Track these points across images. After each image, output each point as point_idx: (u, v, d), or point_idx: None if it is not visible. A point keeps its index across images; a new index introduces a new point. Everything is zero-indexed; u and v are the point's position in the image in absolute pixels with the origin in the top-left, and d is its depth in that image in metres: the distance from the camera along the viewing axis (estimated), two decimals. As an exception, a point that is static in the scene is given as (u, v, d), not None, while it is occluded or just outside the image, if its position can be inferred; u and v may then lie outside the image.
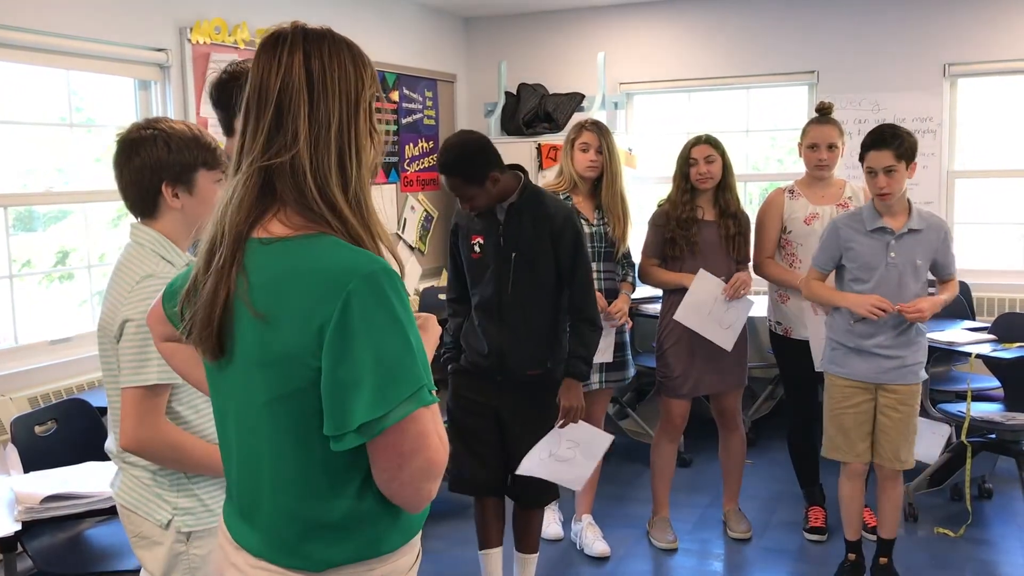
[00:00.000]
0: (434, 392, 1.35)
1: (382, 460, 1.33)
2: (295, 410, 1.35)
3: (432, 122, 6.14)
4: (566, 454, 3.26)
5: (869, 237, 3.38)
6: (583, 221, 3.71)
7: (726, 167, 3.85)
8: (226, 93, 2.65)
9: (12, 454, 2.73)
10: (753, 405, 5.52)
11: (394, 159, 5.76)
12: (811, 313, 3.71)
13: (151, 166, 1.98)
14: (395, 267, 1.35)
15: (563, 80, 6.17)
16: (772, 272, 3.95)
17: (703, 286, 3.77)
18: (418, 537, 1.54)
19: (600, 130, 3.79)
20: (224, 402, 1.48)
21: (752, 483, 4.67)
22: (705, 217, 3.85)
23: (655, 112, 6.35)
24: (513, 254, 3.11)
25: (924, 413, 3.79)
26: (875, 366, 3.37)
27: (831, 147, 3.86)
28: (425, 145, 6.06)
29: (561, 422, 3.19)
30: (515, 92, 6.16)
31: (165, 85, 4.16)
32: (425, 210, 6.06)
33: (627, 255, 3.90)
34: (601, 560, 3.88)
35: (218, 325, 1.37)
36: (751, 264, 3.98)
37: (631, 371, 3.94)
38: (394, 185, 5.77)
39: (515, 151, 5.62)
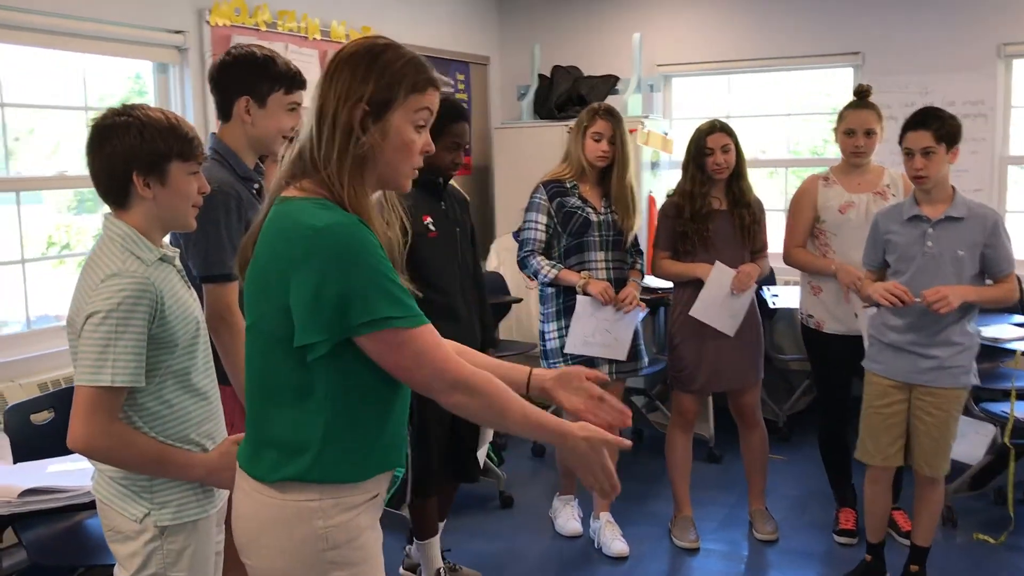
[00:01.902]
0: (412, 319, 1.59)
1: (392, 370, 1.61)
2: (267, 332, 1.63)
3: (464, 106, 6.01)
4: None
5: (906, 226, 3.20)
6: (590, 209, 3.64)
7: (739, 155, 3.70)
8: (227, 76, 2.58)
9: (4, 443, 2.69)
10: (789, 400, 5.35)
11: (423, 143, 5.65)
12: (861, 307, 3.52)
13: (122, 154, 1.90)
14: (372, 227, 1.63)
15: (598, 62, 6.00)
16: (802, 260, 3.78)
17: (719, 278, 3.65)
18: (375, 483, 1.69)
19: (614, 119, 3.64)
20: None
21: (783, 481, 4.51)
22: (718, 207, 3.72)
23: (693, 95, 6.16)
24: (456, 229, 3.25)
25: (967, 412, 3.60)
26: (911, 365, 3.19)
27: (868, 133, 3.67)
28: (456, 129, 5.94)
29: None
30: (549, 75, 6.01)
31: (183, 68, 4.11)
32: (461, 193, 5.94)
33: (635, 243, 3.80)
34: (619, 560, 3.76)
35: (245, 258, 1.72)
36: (770, 252, 3.84)
37: (644, 360, 3.84)
38: (423, 170, 5.66)
39: (547, 135, 5.49)
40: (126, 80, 4.17)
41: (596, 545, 3.86)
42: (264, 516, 1.64)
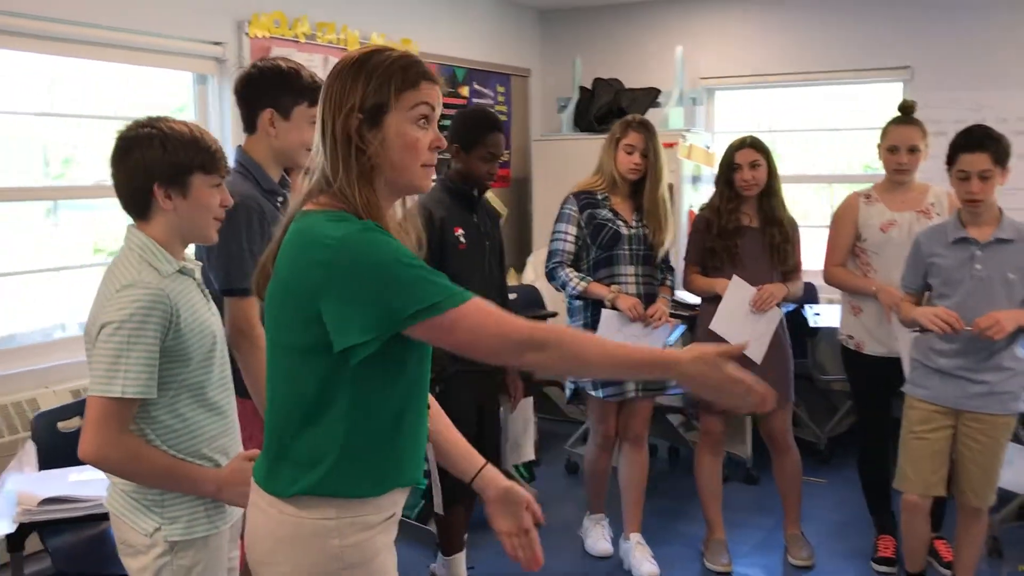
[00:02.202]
0: (452, 298, 1.54)
1: (453, 348, 1.58)
2: (291, 346, 1.61)
3: (504, 117, 6.00)
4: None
5: (952, 249, 3.10)
6: (620, 222, 3.58)
7: (771, 172, 3.63)
8: (252, 88, 2.58)
9: (31, 450, 2.71)
10: (831, 421, 5.23)
11: (462, 155, 5.64)
12: (903, 329, 3.42)
13: (145, 166, 1.90)
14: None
15: (640, 75, 5.94)
16: (841, 279, 3.69)
17: (737, 294, 3.59)
18: (390, 499, 1.67)
19: (648, 131, 3.59)
20: None
21: (821, 505, 4.40)
22: (749, 224, 3.65)
23: (737, 109, 6.07)
24: (486, 243, 3.28)
25: (1015, 439, 3.47)
26: (958, 390, 3.08)
27: (912, 150, 3.56)
28: (496, 141, 5.92)
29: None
30: (590, 87, 5.97)
31: (222, 79, 4.14)
32: (494, 208, 5.92)
33: (665, 259, 3.73)
34: (649, 582, 3.68)
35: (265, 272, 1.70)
36: (813, 271, 3.74)
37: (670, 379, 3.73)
38: (461, 182, 5.65)
39: (587, 148, 5.42)
40: (179, 90, 4.20)
41: (626, 566, 3.78)
42: (280, 534, 1.62)
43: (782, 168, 4.27)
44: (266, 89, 2.54)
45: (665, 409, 5.10)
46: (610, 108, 5.76)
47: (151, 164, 1.90)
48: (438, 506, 3.23)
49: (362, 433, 1.60)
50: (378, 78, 1.61)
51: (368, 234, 1.55)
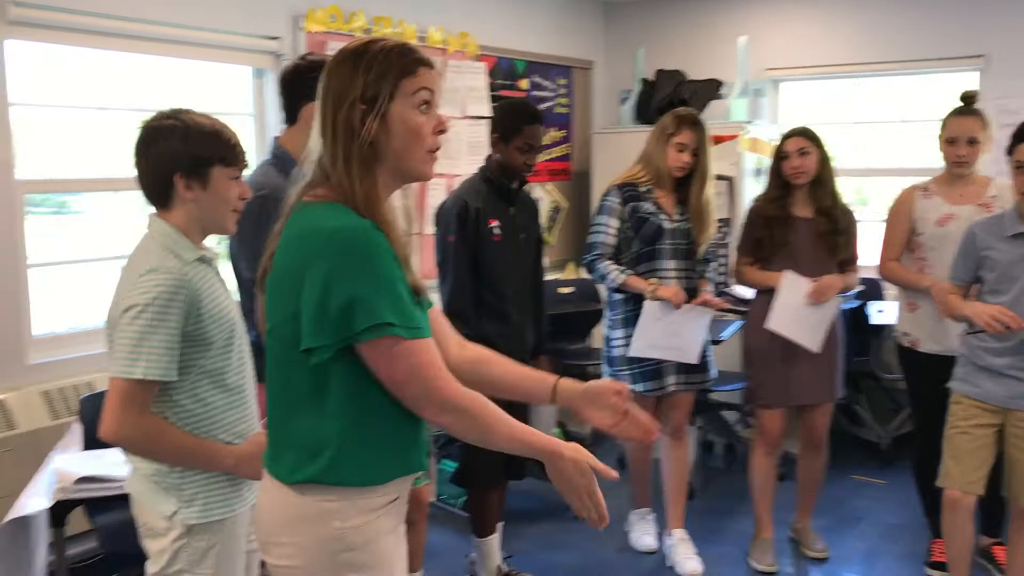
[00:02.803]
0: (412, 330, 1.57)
1: (384, 380, 1.59)
2: (284, 337, 1.63)
3: (565, 110, 5.98)
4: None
5: (1009, 243, 2.98)
6: (664, 216, 3.53)
7: (823, 161, 3.55)
8: (298, 80, 2.63)
9: (78, 430, 2.83)
10: (894, 420, 5.08)
11: (521, 148, 5.64)
12: (959, 326, 3.31)
13: (166, 157, 1.96)
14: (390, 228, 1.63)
15: (704, 66, 5.85)
16: (895, 273, 3.59)
17: (792, 289, 3.51)
18: (396, 486, 1.69)
19: (700, 129, 3.53)
20: None
21: (878, 507, 4.30)
22: (800, 214, 3.58)
23: (804, 100, 5.92)
24: (522, 236, 3.30)
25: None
26: (1008, 389, 2.98)
27: (972, 142, 3.44)
28: (556, 134, 5.91)
29: None
30: (653, 79, 5.90)
31: (279, 73, 4.21)
32: (554, 201, 5.92)
33: (706, 254, 3.69)
34: (691, 579, 3.65)
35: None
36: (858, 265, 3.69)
37: (713, 371, 3.71)
38: (520, 174, 5.66)
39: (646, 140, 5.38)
40: (241, 84, 4.31)
41: (668, 563, 3.75)
42: (284, 515, 1.66)
43: (852, 161, 4.19)
44: (312, 83, 2.59)
45: (720, 406, 5.04)
46: (671, 100, 5.68)
47: (173, 155, 1.96)
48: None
49: (361, 423, 1.62)
50: (378, 67, 1.63)
51: (365, 232, 1.57)
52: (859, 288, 5.01)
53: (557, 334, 5.35)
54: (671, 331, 3.48)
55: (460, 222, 3.15)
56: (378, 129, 1.62)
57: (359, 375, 1.60)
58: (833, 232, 3.55)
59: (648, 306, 3.49)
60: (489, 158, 3.28)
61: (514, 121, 3.20)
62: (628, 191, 3.58)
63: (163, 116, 2.01)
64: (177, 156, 1.96)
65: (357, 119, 1.61)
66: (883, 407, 5.19)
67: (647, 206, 3.55)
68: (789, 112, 5.91)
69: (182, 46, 3.86)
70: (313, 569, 1.64)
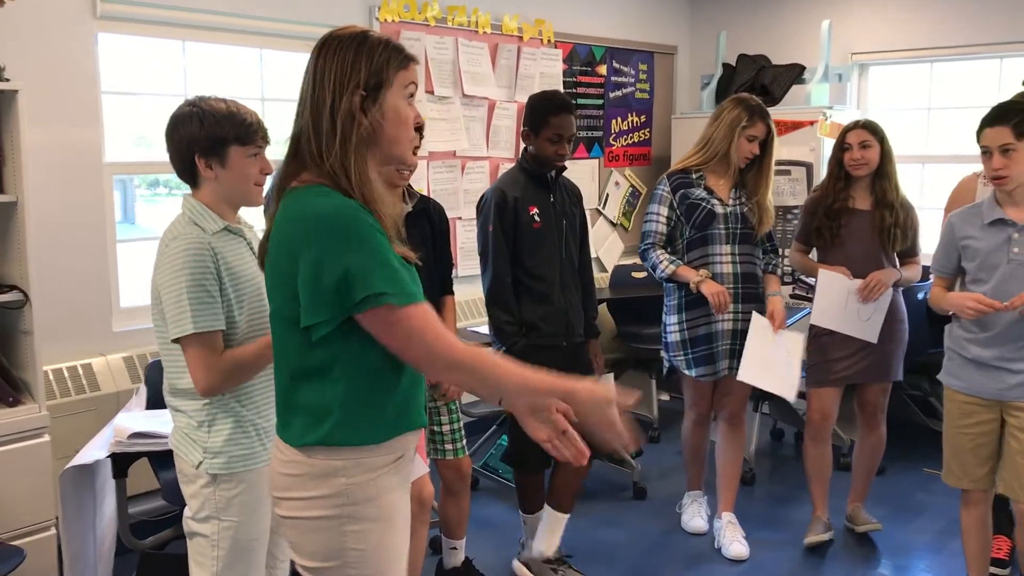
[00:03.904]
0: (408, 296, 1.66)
1: (388, 346, 1.69)
2: (285, 317, 1.74)
3: (645, 95, 6.00)
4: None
5: (987, 231, 2.91)
6: (716, 201, 3.55)
7: (884, 154, 3.54)
8: None
9: (143, 393, 3.08)
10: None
11: (597, 134, 5.71)
12: None
13: (187, 140, 2.16)
14: (380, 207, 1.72)
15: (786, 51, 5.78)
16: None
17: (831, 286, 3.53)
18: (399, 443, 1.80)
19: (769, 120, 3.54)
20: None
21: (941, 500, 4.21)
22: (858, 206, 3.58)
23: (893, 85, 5.77)
24: (564, 222, 3.34)
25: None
26: (998, 381, 2.91)
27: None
28: (636, 119, 5.94)
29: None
30: (734, 64, 5.86)
31: (354, 61, 4.40)
32: (632, 185, 5.96)
33: (770, 238, 3.69)
34: (736, 562, 3.67)
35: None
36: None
37: None
38: (596, 160, 5.72)
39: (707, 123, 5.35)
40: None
41: (716, 545, 3.79)
42: (292, 472, 1.79)
43: (943, 148, 4.06)
44: None
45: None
46: (752, 85, 5.64)
47: (192, 138, 2.15)
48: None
49: (361, 387, 1.73)
50: (379, 58, 1.73)
51: (353, 211, 1.66)
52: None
53: (630, 319, 5.41)
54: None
55: (499, 211, 3.26)
56: (375, 115, 1.73)
57: (356, 343, 1.71)
58: (892, 226, 3.54)
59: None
60: (525, 150, 3.36)
61: (542, 113, 3.26)
62: (677, 179, 3.60)
63: (186, 104, 2.20)
64: (195, 139, 2.15)
65: (357, 105, 1.71)
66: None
67: (698, 192, 3.57)
68: (872, 97, 5.77)
69: (261, 36, 4.09)
70: (320, 522, 1.76)
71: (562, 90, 5.34)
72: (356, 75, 1.71)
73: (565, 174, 3.43)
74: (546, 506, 3.46)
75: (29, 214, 3.02)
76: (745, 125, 3.51)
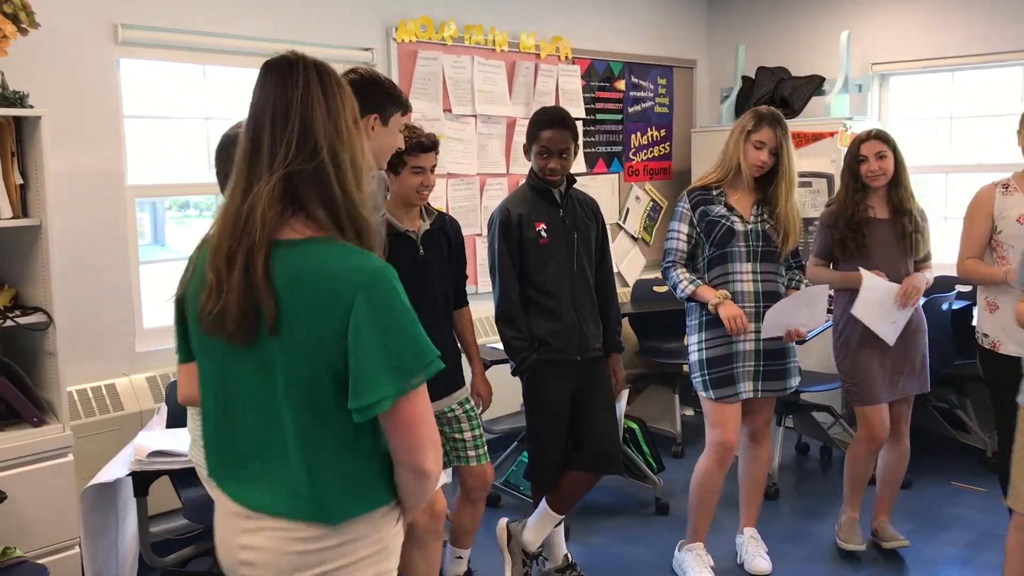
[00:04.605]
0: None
1: (399, 427, 1.55)
2: (312, 390, 1.53)
3: (664, 110, 6.01)
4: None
5: None
6: (735, 218, 3.43)
7: (898, 163, 3.56)
8: (360, 92, 2.82)
9: (164, 411, 3.12)
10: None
11: (617, 148, 5.72)
12: None
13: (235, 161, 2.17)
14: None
15: (806, 62, 5.77)
16: (972, 270, 3.51)
17: (875, 284, 3.55)
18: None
19: (781, 128, 3.42)
20: (234, 382, 1.62)
21: (975, 516, 4.17)
22: (877, 215, 3.59)
23: (914, 95, 5.73)
24: (575, 236, 3.33)
25: None
26: None
27: (1052, 138, 3.31)
28: (655, 134, 5.95)
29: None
30: (753, 76, 5.85)
31: (372, 82, 4.45)
32: (652, 199, 5.96)
33: (796, 256, 3.60)
34: (757, 578, 3.64)
35: (254, 315, 1.53)
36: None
37: (794, 380, 3.55)
38: (616, 175, 5.73)
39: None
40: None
41: (738, 560, 3.75)
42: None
43: (966, 157, 4.03)
44: (372, 94, 2.77)
45: (811, 407, 4.95)
46: (771, 97, 5.63)
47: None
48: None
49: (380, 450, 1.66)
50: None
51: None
52: (965, 289, 4.86)
53: (652, 333, 5.40)
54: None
55: (503, 229, 3.28)
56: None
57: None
58: (914, 232, 3.58)
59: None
60: (532, 167, 3.37)
61: (532, 129, 3.28)
62: (698, 195, 3.52)
63: (236, 125, 2.22)
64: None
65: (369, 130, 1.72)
66: (989, 412, 4.96)
67: (717, 209, 3.47)
68: (893, 107, 5.74)
69: (280, 59, 4.14)
70: None
71: (582, 106, 5.37)
72: (357, 108, 1.66)
73: (583, 188, 3.43)
74: (544, 499, 3.45)
75: (53, 237, 3.08)
76: (751, 130, 3.43)
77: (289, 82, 1.57)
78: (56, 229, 3.10)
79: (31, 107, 3.05)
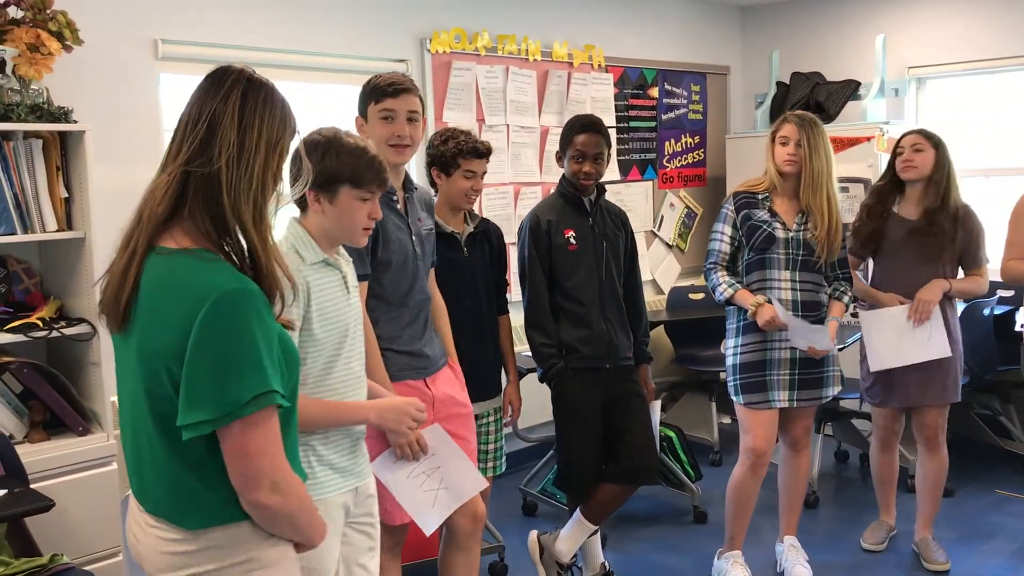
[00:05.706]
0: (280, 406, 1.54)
1: (228, 455, 1.52)
2: (161, 402, 1.54)
3: (699, 116, 5.99)
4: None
5: None
6: (778, 224, 3.39)
7: (939, 163, 3.48)
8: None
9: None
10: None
11: (651, 156, 5.71)
12: None
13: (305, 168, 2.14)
14: (287, 288, 1.63)
15: (841, 67, 5.72)
16: (1014, 272, 3.50)
17: (877, 327, 3.53)
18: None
19: (802, 122, 3.39)
20: (122, 370, 1.67)
21: (1020, 524, 4.08)
22: (903, 214, 3.53)
23: (947, 98, 5.66)
24: (604, 244, 3.33)
25: None
26: None
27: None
28: (689, 140, 5.93)
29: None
30: (788, 82, 5.82)
31: (407, 93, 4.48)
32: (687, 207, 5.94)
33: (843, 265, 3.49)
34: (799, 586, 3.60)
35: (124, 304, 1.58)
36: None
37: (831, 389, 3.48)
38: (650, 182, 5.72)
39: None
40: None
41: (779, 569, 3.72)
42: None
43: (1008, 160, 3.98)
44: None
45: (851, 414, 4.90)
46: (806, 102, 5.59)
47: (310, 168, 2.07)
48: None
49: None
50: (292, 125, 1.68)
51: (254, 301, 1.53)
52: (1007, 294, 4.79)
53: (688, 341, 5.37)
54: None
55: (533, 236, 3.29)
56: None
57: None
58: (942, 234, 3.47)
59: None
60: (563, 175, 3.38)
61: (566, 134, 3.30)
62: (743, 198, 3.48)
63: (315, 132, 2.21)
64: (312, 170, 2.09)
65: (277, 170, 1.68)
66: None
67: (760, 213, 3.43)
68: (930, 110, 5.68)
69: (316, 72, 4.19)
70: None
71: (613, 114, 5.36)
72: (285, 135, 1.66)
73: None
74: (578, 509, 3.42)
75: (96, 250, 3.13)
76: (775, 129, 3.45)
77: (214, 88, 1.60)
78: (99, 242, 3.15)
79: (75, 122, 3.12)
